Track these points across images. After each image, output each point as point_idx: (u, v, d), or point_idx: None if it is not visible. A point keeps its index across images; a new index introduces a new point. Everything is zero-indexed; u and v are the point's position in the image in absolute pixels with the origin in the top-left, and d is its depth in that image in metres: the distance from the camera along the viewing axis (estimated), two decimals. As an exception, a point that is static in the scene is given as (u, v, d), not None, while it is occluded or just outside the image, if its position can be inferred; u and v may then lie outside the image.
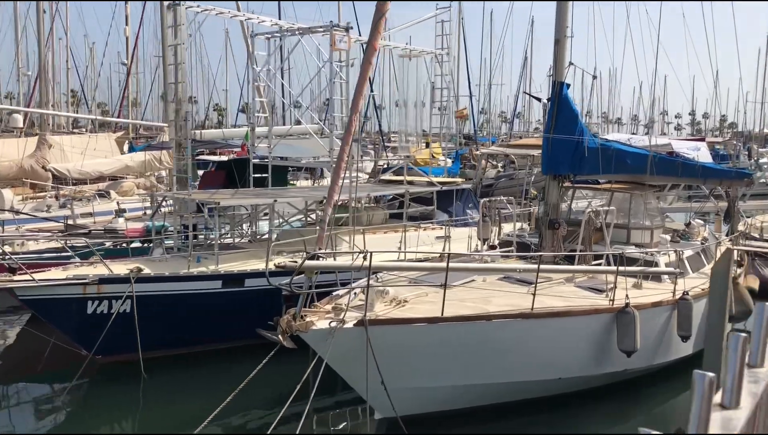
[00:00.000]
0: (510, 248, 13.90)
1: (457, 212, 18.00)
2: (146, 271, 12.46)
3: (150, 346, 12.31)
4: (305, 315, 8.73)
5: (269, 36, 16.10)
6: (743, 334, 3.13)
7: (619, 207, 14.38)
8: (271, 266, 8.68)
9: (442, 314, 9.07)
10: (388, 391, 9.03)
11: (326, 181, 25.95)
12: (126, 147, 30.15)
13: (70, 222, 16.20)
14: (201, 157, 26.71)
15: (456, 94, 37.02)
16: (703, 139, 22.15)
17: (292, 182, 23.75)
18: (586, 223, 12.28)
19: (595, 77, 14.29)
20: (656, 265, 12.65)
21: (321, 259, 8.42)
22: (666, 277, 12.37)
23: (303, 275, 8.54)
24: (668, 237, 13.58)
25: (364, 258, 8.34)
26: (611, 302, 10.65)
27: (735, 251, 15.31)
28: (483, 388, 9.96)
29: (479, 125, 57.77)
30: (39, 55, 24.22)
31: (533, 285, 11.28)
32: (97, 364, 12.50)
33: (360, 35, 15.81)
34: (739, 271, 14.67)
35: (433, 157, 39.28)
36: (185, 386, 12.38)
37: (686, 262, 13.47)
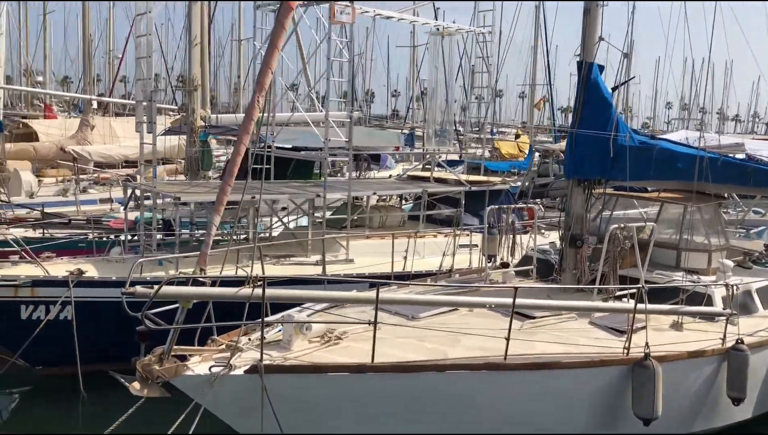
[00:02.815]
0: (529, 267, 11.43)
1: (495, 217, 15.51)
2: (90, 273, 10.91)
3: (92, 359, 10.77)
4: (191, 355, 6.81)
5: (275, 8, 14.20)
6: None
7: (672, 221, 11.55)
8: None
9: (372, 361, 6.85)
10: (298, 456, 6.96)
11: (371, 174, 23.90)
12: None
13: (47, 209, 14.93)
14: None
15: (532, 84, 34.06)
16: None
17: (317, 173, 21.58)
18: (609, 242, 9.62)
19: (626, 55, 11.43)
20: (709, 299, 9.83)
21: (202, 283, 6.42)
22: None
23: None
24: (731, 263, 10.61)
25: (255, 285, 6.27)
26: (626, 351, 8.05)
27: None
28: None
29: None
30: (84, 35, 23.48)
31: (533, 320, 8.89)
32: (37, 377, 11.14)
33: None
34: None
35: (520, 150, 36.51)
36: (128, 407, 10.75)
37: (755, 296, 10.51)
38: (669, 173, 10.37)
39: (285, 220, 14.44)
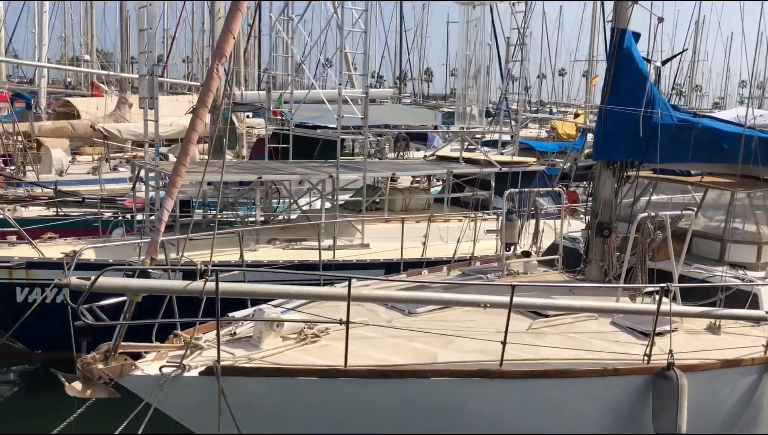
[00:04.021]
0: (555, 256, 10.47)
1: (522, 201, 14.48)
2: (87, 255, 10.48)
3: (90, 343, 10.40)
4: (146, 351, 6.20)
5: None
6: None
7: (718, 209, 10.35)
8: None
9: (345, 364, 6.08)
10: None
11: (414, 154, 22.98)
12: None
13: (67, 188, 14.65)
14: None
15: (591, 59, 32.46)
16: None
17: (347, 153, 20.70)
18: (639, 231, 8.54)
19: (661, 19, 10.09)
20: (755, 299, 8.67)
21: (151, 275, 5.75)
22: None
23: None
24: (783, 257, 9.39)
25: (206, 278, 5.56)
26: (646, 358, 7.03)
27: None
28: None
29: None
30: (121, 14, 23.24)
31: (546, 318, 7.94)
32: (41, 361, 10.85)
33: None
34: None
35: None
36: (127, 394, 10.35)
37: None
38: (712, 155, 9.18)
39: (298, 201, 13.76)
